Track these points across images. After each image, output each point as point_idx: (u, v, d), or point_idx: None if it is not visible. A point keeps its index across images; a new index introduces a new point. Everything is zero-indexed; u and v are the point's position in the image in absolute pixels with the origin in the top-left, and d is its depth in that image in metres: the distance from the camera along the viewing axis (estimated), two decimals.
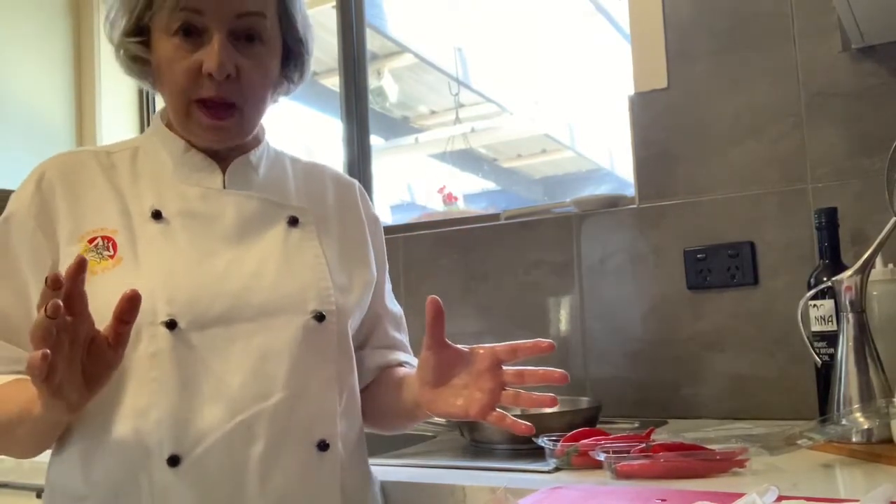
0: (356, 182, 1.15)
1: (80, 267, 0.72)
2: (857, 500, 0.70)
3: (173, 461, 0.86)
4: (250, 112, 0.95)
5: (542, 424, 1.26)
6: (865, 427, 1.06)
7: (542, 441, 1.15)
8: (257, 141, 1.04)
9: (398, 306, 1.16)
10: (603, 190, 1.96)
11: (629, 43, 1.69)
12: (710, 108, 1.59)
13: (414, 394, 0.95)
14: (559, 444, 1.13)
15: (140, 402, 0.87)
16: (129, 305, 0.75)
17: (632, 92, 1.68)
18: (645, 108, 1.66)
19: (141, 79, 1.01)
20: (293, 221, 0.99)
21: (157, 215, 0.94)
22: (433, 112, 2.86)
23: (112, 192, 0.96)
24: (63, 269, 0.90)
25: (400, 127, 2.76)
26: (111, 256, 0.91)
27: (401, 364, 1.11)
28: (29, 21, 2.32)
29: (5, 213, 0.96)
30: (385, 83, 2.76)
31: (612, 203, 1.71)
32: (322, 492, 0.93)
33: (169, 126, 1.00)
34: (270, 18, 0.94)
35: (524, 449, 1.26)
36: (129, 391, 0.88)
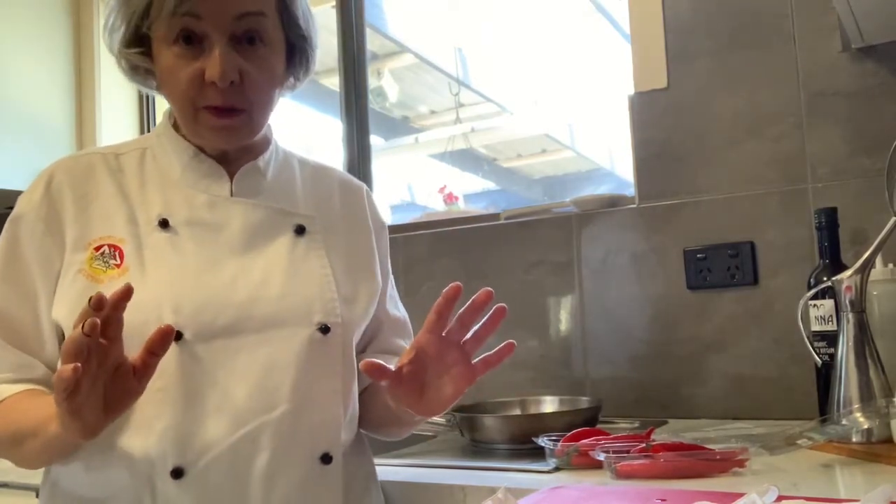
0: (364, 186, 1.14)
1: (127, 295, 0.73)
2: (857, 500, 0.70)
3: (177, 473, 0.85)
4: (258, 114, 0.94)
5: (542, 424, 1.27)
6: (865, 427, 1.06)
7: (542, 441, 1.15)
8: (266, 142, 1.03)
9: (402, 311, 1.15)
10: (603, 190, 1.96)
11: (629, 43, 1.69)
12: (710, 108, 1.59)
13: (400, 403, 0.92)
14: (559, 444, 1.13)
15: (144, 413, 0.86)
16: (161, 339, 0.75)
17: (632, 92, 1.68)
18: (645, 108, 1.66)
19: (144, 86, 1.00)
20: (300, 230, 0.98)
21: (164, 224, 0.93)
22: (433, 112, 2.86)
23: (120, 197, 0.95)
24: (68, 275, 0.90)
25: (400, 127, 2.76)
26: (117, 266, 0.91)
27: None
28: (29, 21, 2.32)
29: (14, 214, 0.95)
30: (385, 83, 2.76)
31: (612, 203, 1.71)
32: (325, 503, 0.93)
33: (176, 127, 0.99)
34: (271, 17, 0.93)
35: (524, 449, 1.26)
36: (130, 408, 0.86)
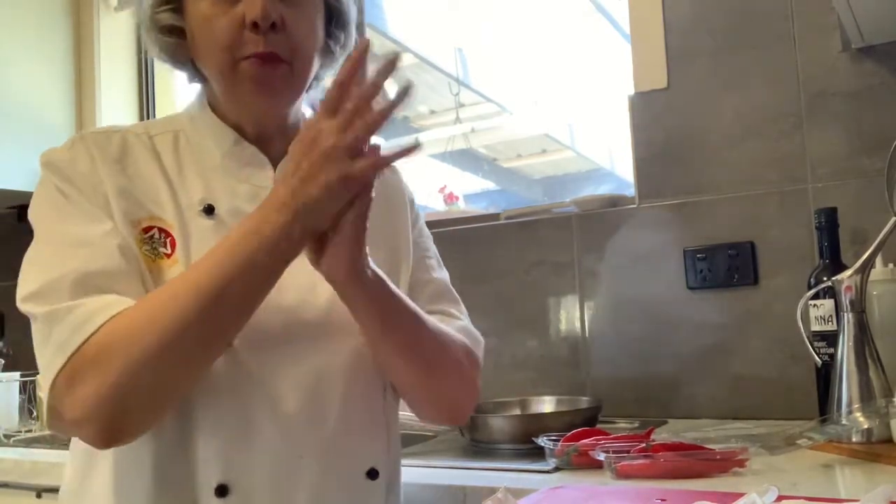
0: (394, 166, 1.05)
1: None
2: (857, 500, 0.70)
3: (221, 491, 0.80)
4: (300, 67, 0.87)
5: (542, 424, 1.27)
6: (865, 427, 1.06)
7: (542, 441, 1.15)
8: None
9: (439, 274, 1.02)
10: (603, 190, 1.96)
11: (629, 43, 1.69)
12: (710, 108, 1.59)
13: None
14: (559, 444, 1.13)
15: (186, 425, 0.80)
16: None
17: (632, 92, 1.68)
18: (645, 108, 1.66)
19: (177, 58, 0.91)
20: None
21: (209, 210, 0.86)
22: (433, 112, 2.85)
23: (161, 178, 0.86)
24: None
25: (400, 127, 2.76)
26: (167, 255, 0.83)
27: None
28: (29, 20, 2.32)
29: (46, 171, 0.85)
30: (385, 83, 2.76)
31: (612, 203, 1.71)
32: None
33: (213, 107, 0.91)
34: None
35: (524, 449, 1.26)
36: (175, 413, 0.80)
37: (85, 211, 0.82)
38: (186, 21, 0.87)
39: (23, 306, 0.78)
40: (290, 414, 0.82)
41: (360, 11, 2.21)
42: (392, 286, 0.85)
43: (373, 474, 0.88)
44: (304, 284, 0.85)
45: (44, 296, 0.76)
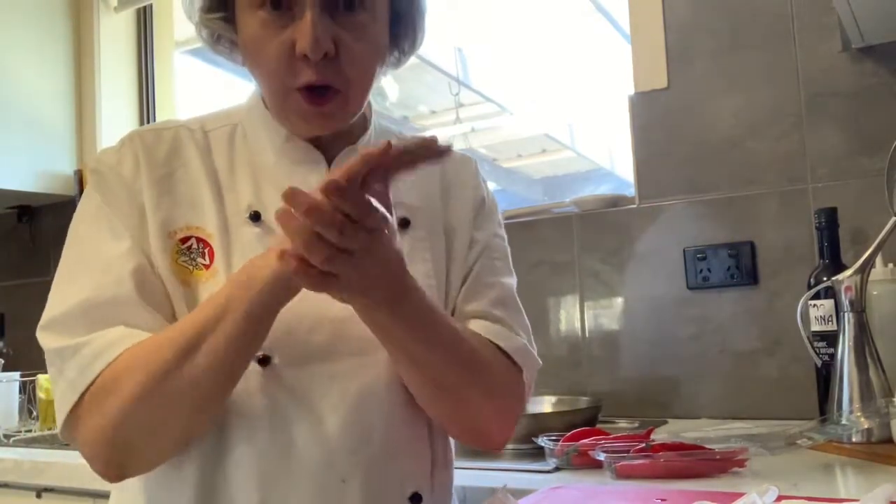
0: (471, 159, 0.98)
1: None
2: (857, 500, 0.70)
3: None
4: (355, 93, 0.80)
5: (542, 424, 1.27)
6: (865, 427, 1.06)
7: (542, 441, 1.15)
8: (365, 122, 0.89)
9: (507, 279, 0.95)
10: (603, 190, 1.96)
11: (629, 43, 1.69)
12: (710, 108, 1.59)
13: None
14: (559, 444, 1.13)
15: (226, 446, 0.77)
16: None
17: (632, 92, 1.68)
18: (645, 108, 1.66)
19: (229, 59, 0.86)
20: (404, 223, 0.86)
21: (255, 217, 0.81)
22: (433, 112, 2.85)
23: (208, 181, 0.83)
24: (159, 263, 0.78)
25: (400, 127, 2.76)
26: (206, 266, 0.79)
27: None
28: (29, 21, 2.32)
29: (93, 177, 0.83)
30: (385, 83, 2.76)
31: (612, 203, 1.71)
32: None
33: (265, 103, 0.86)
34: None
35: (524, 449, 1.26)
36: (212, 432, 0.77)
37: (111, 226, 0.80)
38: (238, 33, 0.81)
39: (38, 336, 0.78)
40: (331, 435, 0.77)
41: None
42: (430, 311, 0.77)
43: (416, 499, 0.82)
44: None
45: (54, 328, 0.76)
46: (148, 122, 2.56)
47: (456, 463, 1.25)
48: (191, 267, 0.79)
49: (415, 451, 0.83)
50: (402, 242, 0.78)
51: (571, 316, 1.72)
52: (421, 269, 0.84)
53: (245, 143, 0.86)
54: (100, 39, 2.43)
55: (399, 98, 2.83)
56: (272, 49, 0.76)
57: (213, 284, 0.78)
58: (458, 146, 2.50)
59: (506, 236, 0.99)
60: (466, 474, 1.14)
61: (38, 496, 1.44)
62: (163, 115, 2.54)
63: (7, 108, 2.22)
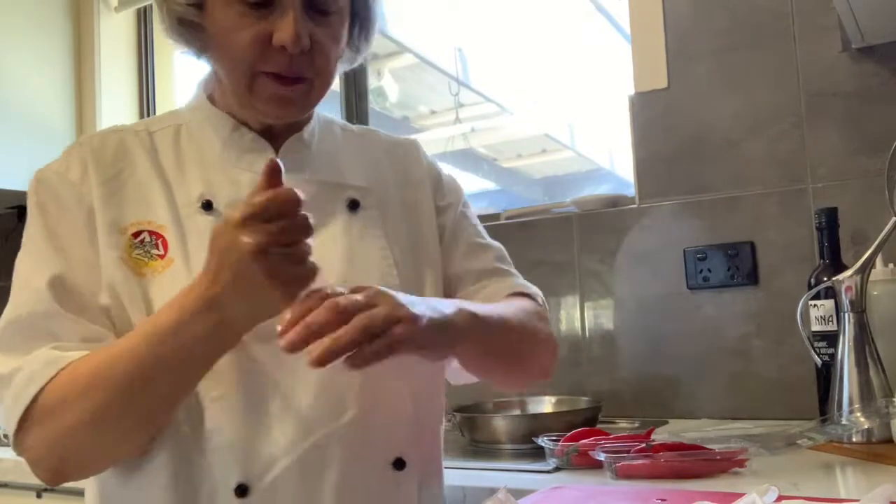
0: (415, 141, 1.04)
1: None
2: (857, 500, 0.70)
3: (241, 491, 0.78)
4: (320, 84, 0.86)
5: (542, 424, 1.27)
6: (865, 427, 1.06)
7: (542, 441, 1.15)
8: (309, 114, 0.94)
9: (482, 262, 1.00)
10: (603, 190, 1.96)
11: (629, 43, 1.69)
12: (710, 108, 1.59)
13: None
14: (559, 444, 1.13)
15: (202, 425, 0.78)
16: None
17: (632, 92, 1.68)
18: (645, 108, 1.66)
19: (186, 45, 0.88)
20: (353, 205, 0.90)
21: (207, 206, 0.84)
22: (433, 112, 2.85)
23: (157, 179, 0.86)
24: (107, 259, 0.81)
25: (400, 127, 2.76)
26: (160, 256, 0.82)
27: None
28: (29, 21, 2.32)
29: (35, 185, 0.87)
30: (385, 83, 2.76)
31: (612, 203, 1.71)
32: None
33: (212, 100, 0.90)
34: None
35: (524, 449, 1.26)
36: (187, 413, 0.78)
37: (37, 248, 0.83)
38: (207, 21, 0.84)
39: None
40: (304, 407, 0.80)
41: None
42: (481, 319, 0.83)
43: (399, 464, 0.84)
44: None
45: None
46: None
47: (456, 463, 1.25)
48: (146, 259, 0.82)
49: (396, 418, 0.85)
50: (355, 223, 0.88)
51: (571, 316, 1.72)
52: (375, 245, 0.89)
53: (191, 140, 0.89)
54: (100, 39, 2.43)
55: (399, 98, 2.83)
56: (246, 36, 0.80)
57: (170, 273, 0.81)
58: (457, 146, 2.50)
59: (472, 211, 1.05)
60: (466, 474, 1.14)
61: (38, 496, 1.44)
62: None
63: (7, 108, 2.22)
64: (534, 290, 1.00)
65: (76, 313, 0.80)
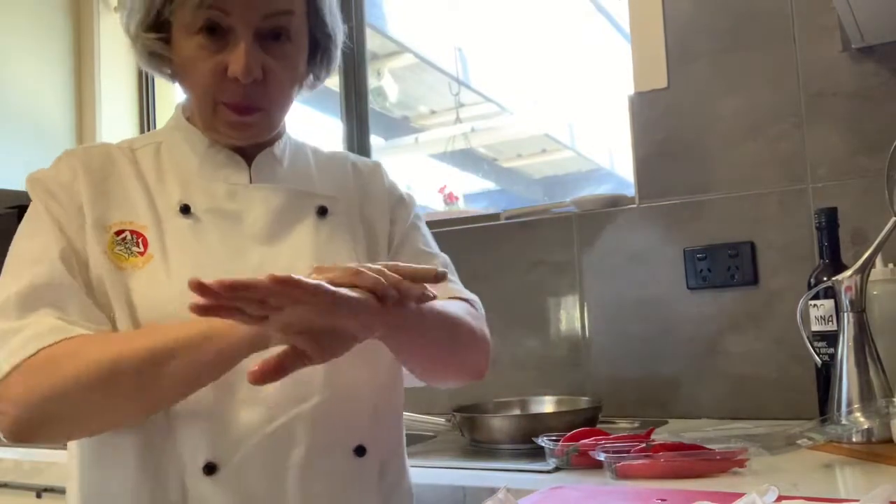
0: (378, 163, 1.11)
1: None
2: (857, 500, 0.70)
3: (210, 469, 0.82)
4: (276, 112, 0.93)
5: (542, 424, 1.27)
6: (865, 427, 1.06)
7: (542, 441, 1.15)
8: (279, 133, 1.00)
9: (435, 256, 1.06)
10: (603, 190, 1.96)
11: (629, 43, 1.69)
12: (710, 108, 1.59)
13: None
14: (559, 444, 1.13)
15: (172, 407, 0.82)
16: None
17: (632, 92, 1.68)
18: (645, 108, 1.66)
19: (158, 72, 0.96)
20: (322, 211, 0.96)
21: (185, 209, 0.90)
22: (433, 112, 2.85)
23: (139, 186, 0.92)
24: (94, 253, 0.87)
25: (400, 127, 2.76)
26: (140, 253, 0.88)
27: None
28: (29, 21, 2.32)
29: (32, 185, 0.93)
30: (385, 83, 2.76)
31: (612, 203, 1.71)
32: (363, 501, 0.90)
33: (190, 120, 0.97)
34: (299, 15, 0.90)
35: (524, 449, 1.26)
36: None
37: (42, 227, 0.88)
38: (174, 53, 0.90)
39: None
40: (271, 392, 0.83)
41: (361, 12, 2.21)
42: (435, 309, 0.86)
43: (360, 451, 0.89)
44: (282, 269, 0.81)
45: None
46: (148, 122, 2.57)
47: (456, 463, 1.25)
48: (126, 254, 0.88)
49: (359, 406, 0.90)
50: (323, 227, 0.95)
51: (571, 316, 1.72)
52: (343, 248, 0.95)
53: (171, 156, 0.96)
54: (100, 39, 2.43)
55: (399, 98, 2.83)
56: (206, 68, 0.87)
57: (150, 268, 0.87)
58: (458, 146, 2.50)
59: (426, 230, 1.09)
60: (466, 474, 1.14)
61: (38, 496, 1.44)
62: (163, 115, 2.54)
63: (7, 108, 2.22)
64: (471, 296, 1.03)
65: (84, 289, 0.85)
